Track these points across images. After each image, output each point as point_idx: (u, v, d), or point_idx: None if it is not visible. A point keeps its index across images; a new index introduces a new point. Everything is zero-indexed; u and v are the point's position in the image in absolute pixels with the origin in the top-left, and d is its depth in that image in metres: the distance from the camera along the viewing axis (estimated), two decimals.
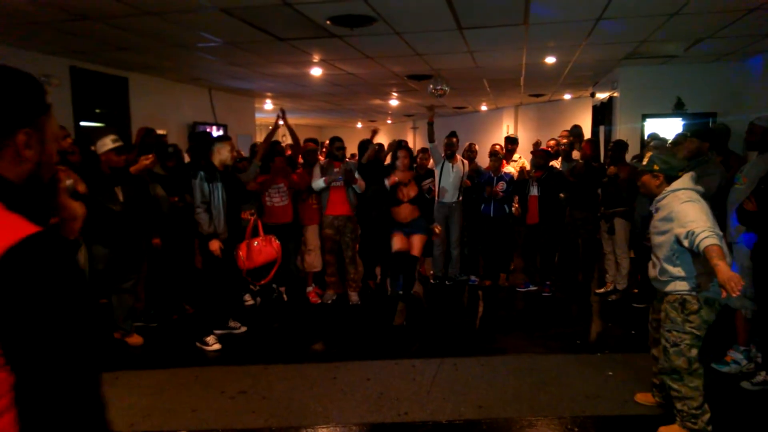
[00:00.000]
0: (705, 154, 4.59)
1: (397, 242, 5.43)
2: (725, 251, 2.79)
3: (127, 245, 4.73)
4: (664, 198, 3.14)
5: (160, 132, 7.24)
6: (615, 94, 8.13)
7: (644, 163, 3.24)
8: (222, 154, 4.84)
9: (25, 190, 1.09)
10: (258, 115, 12.65)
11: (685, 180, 3.12)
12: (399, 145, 5.82)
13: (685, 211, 2.95)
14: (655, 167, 3.16)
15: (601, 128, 9.01)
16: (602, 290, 6.25)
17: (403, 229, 5.47)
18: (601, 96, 9.14)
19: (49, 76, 6.28)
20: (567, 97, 11.58)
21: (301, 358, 4.57)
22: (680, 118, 7.55)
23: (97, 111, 7.22)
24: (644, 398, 3.62)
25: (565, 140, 6.98)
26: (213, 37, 5.76)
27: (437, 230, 5.74)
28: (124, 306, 4.83)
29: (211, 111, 9.87)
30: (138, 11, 4.67)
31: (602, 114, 9.06)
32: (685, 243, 2.89)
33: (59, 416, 0.98)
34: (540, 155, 6.42)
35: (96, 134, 5.15)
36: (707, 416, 3.05)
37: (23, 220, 0.99)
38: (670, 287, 3.10)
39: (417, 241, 5.46)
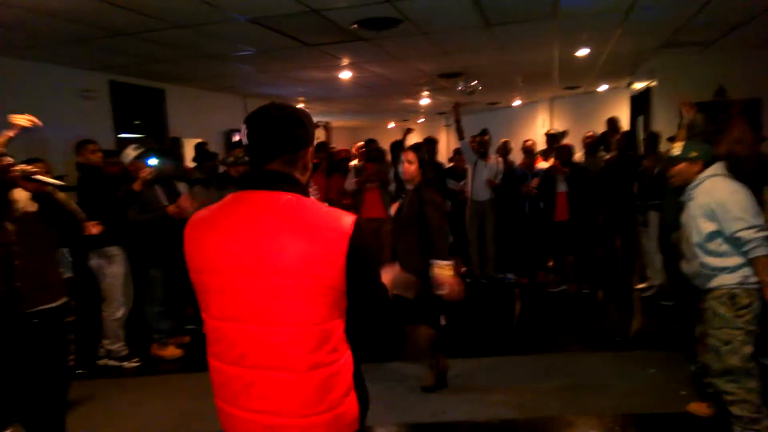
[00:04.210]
0: None
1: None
2: None
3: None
4: (699, 185, 2.93)
5: (199, 140, 7.44)
6: (653, 84, 7.91)
7: (678, 152, 3.05)
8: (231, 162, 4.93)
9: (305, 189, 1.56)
10: None
11: (718, 167, 2.94)
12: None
13: (729, 204, 2.76)
14: (693, 153, 2.97)
15: (640, 119, 8.78)
16: (643, 285, 6.09)
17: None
18: (639, 86, 8.90)
19: (90, 91, 6.52)
20: (604, 87, 11.29)
21: None
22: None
23: (136, 123, 7.45)
24: (698, 408, 3.39)
25: (590, 133, 6.95)
26: (245, 47, 5.88)
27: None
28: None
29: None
30: (171, 25, 4.81)
31: (640, 104, 8.82)
32: (731, 242, 2.75)
33: (378, 327, 1.58)
34: (565, 150, 6.31)
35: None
36: None
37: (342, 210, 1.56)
38: (715, 282, 2.86)
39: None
